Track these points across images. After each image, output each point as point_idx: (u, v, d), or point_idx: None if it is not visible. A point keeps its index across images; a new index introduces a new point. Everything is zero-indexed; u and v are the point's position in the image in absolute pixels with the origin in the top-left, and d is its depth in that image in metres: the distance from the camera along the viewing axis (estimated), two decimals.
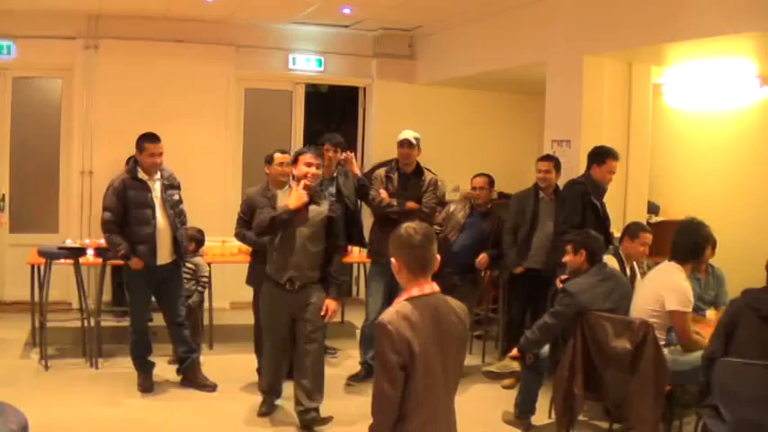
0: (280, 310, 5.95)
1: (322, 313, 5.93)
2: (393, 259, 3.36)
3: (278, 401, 6.38)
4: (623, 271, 6.23)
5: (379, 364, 3.20)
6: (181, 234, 6.74)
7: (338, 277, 6.18)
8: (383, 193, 7.17)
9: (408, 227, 3.40)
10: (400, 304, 3.26)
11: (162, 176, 6.65)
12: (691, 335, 5.48)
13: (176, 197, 6.73)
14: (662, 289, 5.50)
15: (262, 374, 6.54)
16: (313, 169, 5.92)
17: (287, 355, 6.17)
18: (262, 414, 6.23)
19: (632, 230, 6.41)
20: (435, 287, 3.36)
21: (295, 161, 6.11)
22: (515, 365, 5.80)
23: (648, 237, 6.31)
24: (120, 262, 6.90)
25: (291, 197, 5.86)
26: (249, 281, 6.94)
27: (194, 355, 6.99)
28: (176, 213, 6.69)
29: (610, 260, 6.17)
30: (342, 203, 7.34)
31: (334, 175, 7.55)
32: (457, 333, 3.39)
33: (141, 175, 6.55)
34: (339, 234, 6.24)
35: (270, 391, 6.28)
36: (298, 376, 6.01)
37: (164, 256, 6.63)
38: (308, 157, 5.98)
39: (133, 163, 6.62)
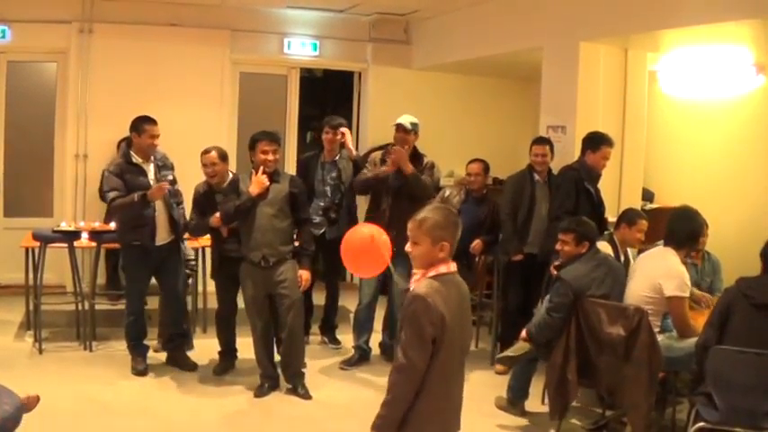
0: (259, 287, 6.23)
1: (299, 284, 6.29)
2: (444, 242, 3.33)
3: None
4: (617, 257, 6.23)
5: (414, 335, 3.22)
6: (177, 213, 6.76)
7: (309, 248, 6.46)
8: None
9: (446, 209, 3.50)
10: (430, 280, 3.31)
11: (155, 158, 6.66)
12: (688, 320, 5.49)
13: (170, 177, 6.74)
14: (659, 276, 5.50)
15: (224, 357, 6.94)
16: (269, 156, 6.16)
17: (272, 333, 6.55)
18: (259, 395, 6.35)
19: (629, 217, 6.40)
20: (455, 265, 3.43)
21: (252, 147, 6.32)
22: (528, 346, 5.81)
23: (645, 224, 6.31)
24: (116, 245, 6.93)
25: (252, 184, 6.17)
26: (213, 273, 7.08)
27: (185, 338, 7.10)
28: (171, 193, 6.69)
29: (604, 246, 6.18)
30: (338, 189, 7.38)
31: (336, 158, 7.55)
32: (470, 312, 3.53)
33: (135, 159, 6.56)
34: (303, 207, 6.50)
35: (267, 375, 6.41)
36: (286, 345, 6.38)
37: (162, 236, 6.66)
38: (263, 144, 6.19)
39: (126, 147, 6.62)
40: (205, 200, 6.70)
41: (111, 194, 6.52)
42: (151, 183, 6.56)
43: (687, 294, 5.51)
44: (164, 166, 6.73)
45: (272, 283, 6.21)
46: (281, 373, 6.44)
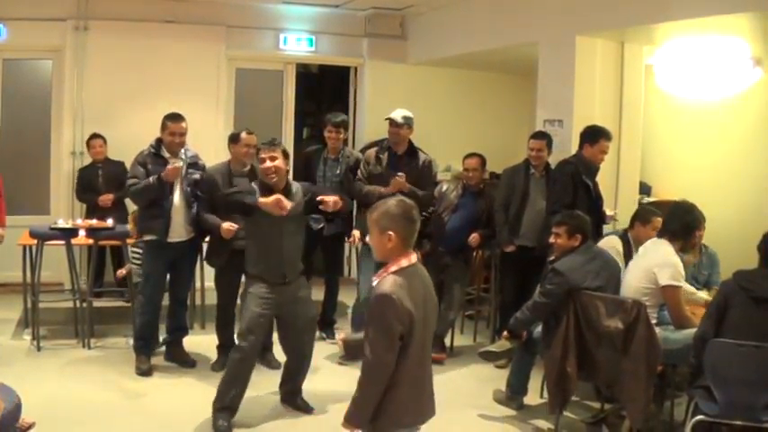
0: (269, 310, 5.64)
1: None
2: (390, 232, 3.41)
3: None
4: (629, 255, 6.24)
5: (381, 333, 3.30)
6: (195, 213, 6.74)
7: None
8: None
9: (402, 201, 3.52)
10: (394, 276, 3.37)
11: (186, 155, 6.70)
12: (683, 310, 5.50)
13: (196, 176, 6.74)
14: (653, 266, 5.51)
15: (223, 352, 6.73)
16: (267, 163, 5.56)
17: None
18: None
19: (643, 216, 6.42)
20: (416, 256, 3.50)
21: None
22: (509, 344, 5.83)
23: (659, 221, 6.27)
24: (109, 242, 6.95)
25: (270, 204, 5.42)
26: (210, 258, 6.93)
27: (184, 334, 7.08)
28: (193, 192, 6.71)
29: (615, 242, 6.22)
30: (340, 186, 7.37)
31: (340, 156, 7.53)
32: (434, 297, 3.61)
33: (164, 152, 6.61)
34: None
35: (233, 408, 5.66)
36: (296, 364, 6.00)
37: (178, 233, 6.65)
38: (263, 152, 5.67)
39: (157, 141, 6.65)
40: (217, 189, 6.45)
41: (130, 181, 6.57)
42: (166, 183, 6.55)
43: (682, 284, 5.53)
44: (193, 164, 6.76)
45: (288, 300, 5.68)
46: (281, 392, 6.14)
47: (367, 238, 3.47)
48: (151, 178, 6.42)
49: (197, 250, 7.10)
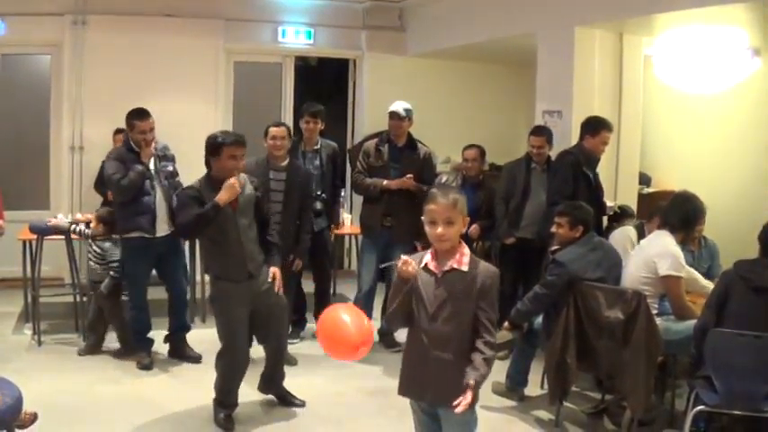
0: (242, 307, 5.49)
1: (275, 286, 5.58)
2: (466, 218, 3.66)
3: None
4: None
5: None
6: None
7: (276, 242, 5.82)
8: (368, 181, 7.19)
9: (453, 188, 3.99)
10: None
11: (155, 148, 6.62)
12: (684, 300, 5.51)
13: (170, 168, 6.74)
14: (653, 256, 5.52)
15: None
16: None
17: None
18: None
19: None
20: None
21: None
22: (509, 335, 5.82)
23: None
24: (119, 236, 6.94)
25: (224, 191, 5.30)
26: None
27: (186, 331, 7.07)
28: (171, 185, 6.68)
29: (630, 233, 6.27)
30: (321, 178, 7.33)
31: (317, 147, 7.46)
32: None
33: (135, 147, 6.56)
34: (264, 206, 5.84)
35: (231, 404, 5.68)
36: (275, 360, 5.91)
37: (161, 227, 6.63)
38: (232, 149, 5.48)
39: (126, 136, 6.62)
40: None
41: (117, 176, 6.46)
42: (149, 170, 6.55)
43: (682, 274, 5.51)
44: (164, 156, 6.72)
45: (254, 295, 5.49)
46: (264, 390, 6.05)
47: (439, 230, 3.55)
48: (137, 167, 6.41)
49: (180, 245, 7.09)
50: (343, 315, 3.63)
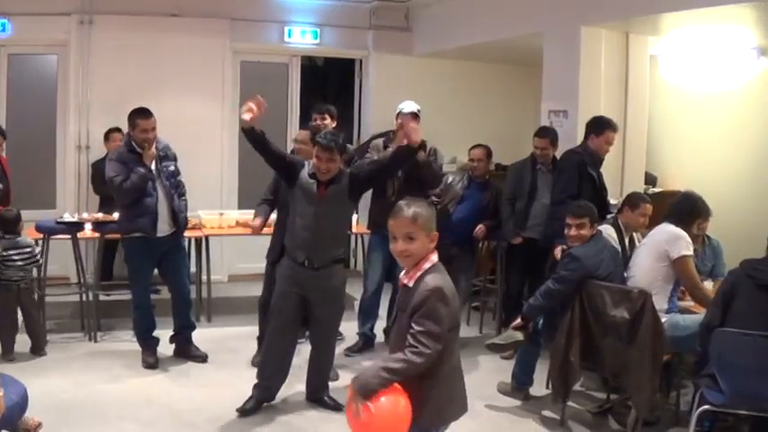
0: (295, 287, 5.72)
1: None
2: (435, 232, 3.48)
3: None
4: (622, 241, 6.25)
5: (433, 323, 3.30)
6: (178, 205, 6.70)
7: None
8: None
9: (429, 203, 3.72)
10: (436, 272, 3.44)
11: (157, 148, 6.61)
12: (697, 279, 5.62)
13: (171, 168, 6.71)
14: (663, 243, 5.59)
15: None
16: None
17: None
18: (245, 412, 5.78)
19: (632, 201, 6.40)
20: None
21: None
22: (518, 335, 5.79)
23: (649, 207, 6.30)
24: (116, 235, 6.93)
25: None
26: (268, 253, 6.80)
27: (191, 330, 7.05)
28: (173, 185, 6.68)
29: (611, 231, 6.21)
30: None
31: None
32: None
33: (137, 149, 6.53)
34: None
35: (266, 386, 5.87)
36: (319, 355, 5.99)
37: (163, 227, 6.62)
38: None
39: (127, 136, 6.62)
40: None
41: (119, 178, 6.45)
42: (152, 171, 6.55)
43: (692, 252, 5.60)
44: (165, 156, 6.68)
45: (315, 286, 5.65)
46: (306, 388, 6.06)
47: (397, 246, 3.46)
48: (139, 170, 6.43)
49: (182, 245, 7.12)
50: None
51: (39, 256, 6.98)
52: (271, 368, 5.80)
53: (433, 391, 3.40)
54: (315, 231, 5.53)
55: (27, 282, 6.85)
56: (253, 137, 5.51)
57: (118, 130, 8.54)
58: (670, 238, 5.59)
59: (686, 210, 5.77)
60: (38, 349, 6.87)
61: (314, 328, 5.99)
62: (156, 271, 6.89)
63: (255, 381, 5.82)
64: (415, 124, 6.07)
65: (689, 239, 5.60)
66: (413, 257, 3.43)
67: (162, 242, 6.64)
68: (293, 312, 5.72)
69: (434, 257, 3.47)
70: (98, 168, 8.63)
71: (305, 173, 5.60)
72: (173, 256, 6.83)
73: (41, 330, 6.99)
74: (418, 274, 3.42)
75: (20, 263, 6.72)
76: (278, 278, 5.83)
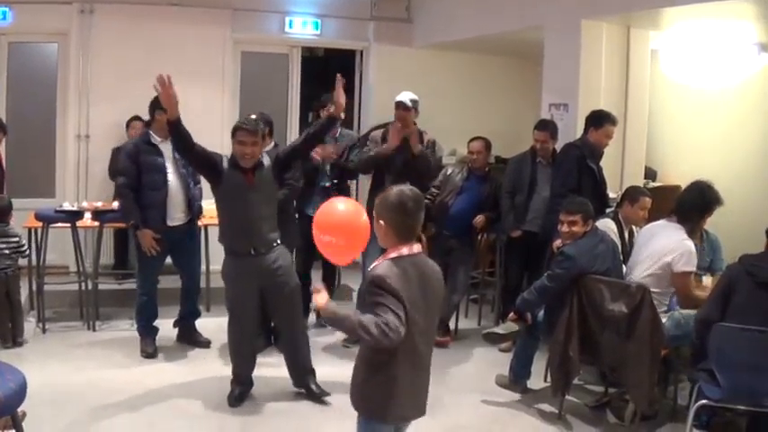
0: (249, 280, 5.75)
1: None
2: (381, 221, 3.43)
3: None
4: (622, 235, 6.25)
5: (392, 304, 3.24)
6: (193, 194, 6.75)
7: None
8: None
9: (402, 191, 3.47)
10: (390, 262, 3.36)
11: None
12: (692, 292, 5.57)
13: None
14: (666, 251, 5.54)
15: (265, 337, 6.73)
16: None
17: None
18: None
19: (632, 195, 6.42)
20: (419, 247, 3.47)
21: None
22: (516, 326, 5.82)
23: (648, 201, 6.31)
24: (122, 224, 6.94)
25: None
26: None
27: (196, 317, 7.13)
28: (189, 173, 6.70)
29: (611, 224, 6.21)
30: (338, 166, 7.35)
31: (337, 134, 7.46)
32: (439, 293, 3.58)
33: (154, 138, 6.58)
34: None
35: (243, 382, 5.90)
36: (292, 341, 6.00)
37: (177, 216, 6.67)
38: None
39: (145, 126, 6.63)
40: None
41: (121, 180, 6.56)
42: (167, 162, 6.57)
43: (694, 268, 5.56)
44: None
45: (266, 272, 5.66)
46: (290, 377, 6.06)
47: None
48: (132, 220, 6.54)
49: (196, 233, 7.12)
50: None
51: (25, 248, 7.02)
52: (242, 369, 5.85)
53: (382, 387, 3.42)
54: (252, 219, 5.58)
55: (14, 269, 6.86)
56: (179, 131, 5.51)
57: (138, 118, 8.57)
58: (675, 249, 5.52)
59: (691, 207, 5.73)
60: (15, 338, 6.82)
61: (279, 322, 6.08)
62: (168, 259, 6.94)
63: (233, 374, 5.86)
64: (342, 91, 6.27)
65: (695, 254, 5.55)
66: (382, 242, 3.47)
67: (175, 231, 6.68)
68: (252, 313, 5.81)
69: (405, 250, 3.41)
70: (116, 155, 8.63)
71: (226, 165, 5.62)
72: (186, 243, 6.88)
73: (22, 320, 6.96)
74: (375, 263, 3.42)
75: (6, 251, 6.75)
76: (228, 283, 5.77)
